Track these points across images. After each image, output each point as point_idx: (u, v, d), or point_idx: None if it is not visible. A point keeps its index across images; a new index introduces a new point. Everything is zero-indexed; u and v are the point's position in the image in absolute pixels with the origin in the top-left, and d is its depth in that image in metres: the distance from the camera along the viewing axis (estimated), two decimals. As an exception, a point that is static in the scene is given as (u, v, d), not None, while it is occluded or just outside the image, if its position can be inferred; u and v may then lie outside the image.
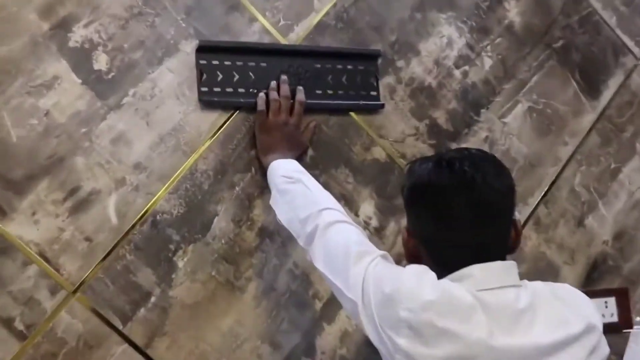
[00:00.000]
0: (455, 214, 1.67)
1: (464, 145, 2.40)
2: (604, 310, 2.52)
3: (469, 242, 1.68)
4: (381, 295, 1.66)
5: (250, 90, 2.17)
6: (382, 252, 1.79)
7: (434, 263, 1.70)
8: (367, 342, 1.89)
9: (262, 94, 2.14)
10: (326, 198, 1.98)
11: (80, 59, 2.00)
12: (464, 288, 1.63)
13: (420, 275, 1.66)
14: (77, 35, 2.00)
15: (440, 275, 1.67)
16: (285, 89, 2.16)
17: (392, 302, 1.63)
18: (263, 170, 2.13)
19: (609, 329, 2.48)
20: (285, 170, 2.05)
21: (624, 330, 2.45)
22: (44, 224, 1.93)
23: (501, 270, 1.69)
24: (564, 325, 1.64)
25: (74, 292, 1.95)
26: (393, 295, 1.64)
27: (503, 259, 1.71)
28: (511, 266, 1.71)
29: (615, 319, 2.53)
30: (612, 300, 2.54)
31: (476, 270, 1.66)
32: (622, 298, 2.56)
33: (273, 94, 2.14)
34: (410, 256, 1.78)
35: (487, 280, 1.66)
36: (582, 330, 1.65)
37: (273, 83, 2.16)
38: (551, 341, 1.62)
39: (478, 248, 1.68)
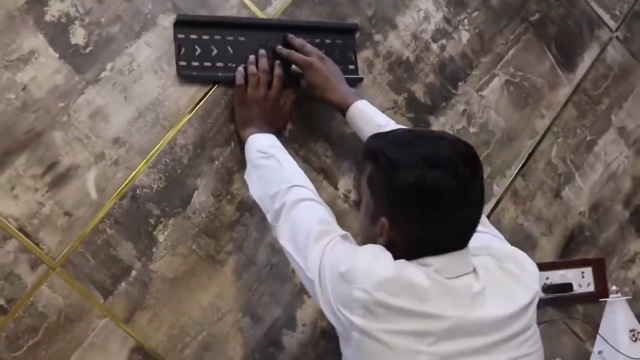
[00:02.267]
0: (449, 218, 1.66)
1: (442, 120, 2.40)
2: (581, 280, 2.52)
3: (450, 238, 1.69)
4: (336, 274, 1.67)
5: (229, 64, 2.15)
6: (343, 232, 1.79)
7: (406, 252, 1.68)
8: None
9: (240, 68, 2.12)
10: (297, 175, 1.97)
11: (57, 33, 1.98)
12: (422, 270, 1.64)
13: (376, 254, 1.67)
14: (54, 9, 1.98)
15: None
16: (263, 63, 2.14)
17: (346, 281, 1.65)
18: (242, 145, 2.11)
19: (586, 299, 2.57)
20: (261, 145, 2.04)
21: (600, 300, 2.47)
22: (23, 198, 1.92)
23: (460, 260, 1.70)
24: (514, 300, 1.72)
25: (54, 266, 1.94)
26: (347, 274, 1.64)
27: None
28: (467, 254, 1.73)
29: (592, 288, 2.54)
30: (588, 270, 2.55)
31: (438, 262, 1.67)
32: (599, 268, 2.57)
33: (252, 68, 2.12)
34: (388, 244, 1.72)
35: (448, 270, 1.67)
36: (530, 300, 1.74)
37: (252, 57, 2.14)
38: (502, 315, 1.69)
39: (453, 241, 1.70)
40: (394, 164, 1.69)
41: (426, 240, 1.68)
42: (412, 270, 1.64)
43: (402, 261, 1.66)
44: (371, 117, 2.13)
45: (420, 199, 1.66)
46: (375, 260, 1.65)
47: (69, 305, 1.94)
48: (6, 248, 1.89)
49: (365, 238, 1.80)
